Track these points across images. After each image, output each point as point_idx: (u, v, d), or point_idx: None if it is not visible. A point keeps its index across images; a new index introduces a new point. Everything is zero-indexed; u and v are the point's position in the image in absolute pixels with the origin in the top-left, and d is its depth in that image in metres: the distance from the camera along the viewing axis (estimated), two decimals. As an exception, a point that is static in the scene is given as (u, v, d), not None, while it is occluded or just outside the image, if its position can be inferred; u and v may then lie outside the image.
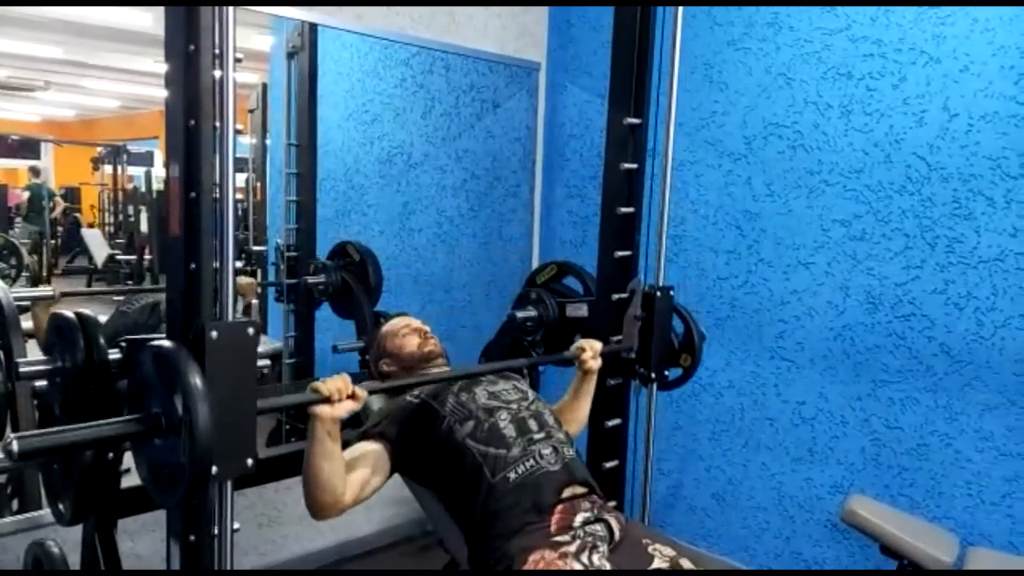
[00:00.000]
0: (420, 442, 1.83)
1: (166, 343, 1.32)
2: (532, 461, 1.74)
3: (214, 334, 1.31)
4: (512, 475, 1.70)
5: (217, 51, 1.33)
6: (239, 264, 1.40)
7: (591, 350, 2.10)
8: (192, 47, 1.31)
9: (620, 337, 2.31)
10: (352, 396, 1.60)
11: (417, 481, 1.92)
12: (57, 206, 3.30)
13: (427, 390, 1.92)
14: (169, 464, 1.30)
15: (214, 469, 1.27)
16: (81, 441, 1.31)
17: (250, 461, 1.37)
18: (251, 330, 1.37)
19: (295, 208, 3.16)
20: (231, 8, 1.32)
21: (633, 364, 2.32)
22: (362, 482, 1.75)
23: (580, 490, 1.75)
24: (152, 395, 1.33)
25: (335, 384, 1.58)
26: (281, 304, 3.19)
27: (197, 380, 1.24)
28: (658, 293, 2.26)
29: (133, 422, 1.34)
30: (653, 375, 2.31)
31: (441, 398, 1.87)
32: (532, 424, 1.83)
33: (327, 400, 1.57)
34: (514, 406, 1.86)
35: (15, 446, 1.19)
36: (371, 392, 1.71)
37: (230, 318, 1.36)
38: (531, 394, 1.96)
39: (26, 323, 2.17)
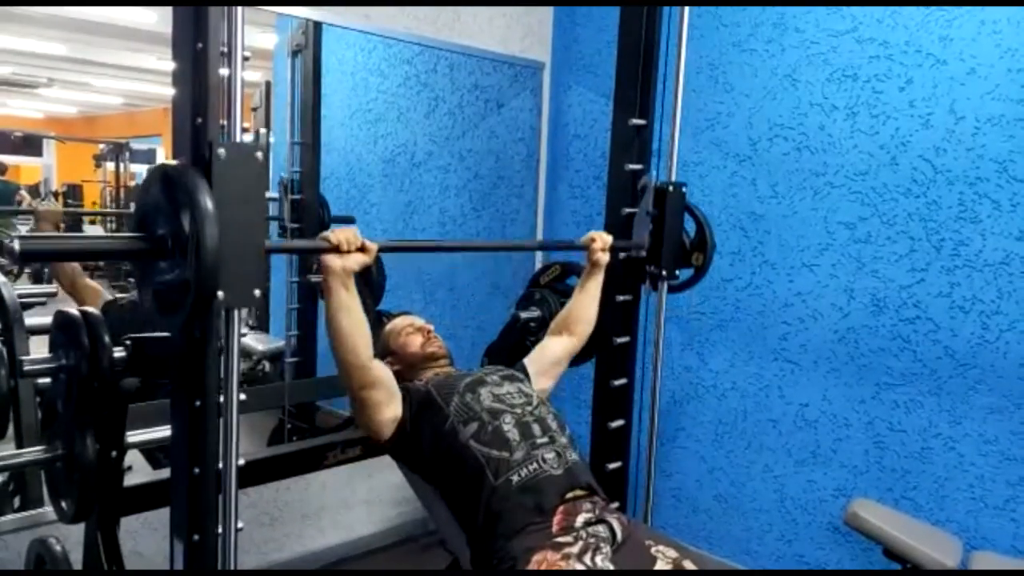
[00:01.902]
0: (424, 429, 1.83)
1: (173, 162, 1.29)
2: (535, 465, 1.73)
3: (222, 152, 1.29)
4: (515, 478, 1.70)
5: (225, 49, 1.32)
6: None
7: (601, 241, 2.12)
8: (200, 45, 1.31)
9: (627, 339, 2.31)
10: (362, 248, 1.64)
11: (418, 474, 1.91)
12: (23, 200, 3.29)
13: (434, 381, 1.94)
14: (175, 283, 1.27)
15: (220, 294, 1.26)
16: (84, 250, 1.28)
17: (257, 292, 1.34)
18: (259, 155, 1.34)
19: (298, 205, 3.16)
20: (239, 6, 1.32)
21: (644, 266, 2.28)
22: (385, 371, 1.82)
23: (582, 493, 1.75)
24: (158, 218, 1.30)
25: (344, 234, 1.62)
26: (284, 302, 3.19)
27: (205, 197, 1.21)
28: (670, 188, 2.21)
29: (139, 239, 1.32)
30: (664, 272, 2.25)
31: (446, 395, 1.86)
32: (536, 428, 1.83)
33: (336, 249, 1.60)
34: (519, 410, 1.86)
35: (17, 245, 1.17)
36: (381, 249, 1.72)
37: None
38: (536, 398, 1.96)
39: (29, 320, 2.16)
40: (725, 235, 2.93)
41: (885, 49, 2.53)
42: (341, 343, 1.69)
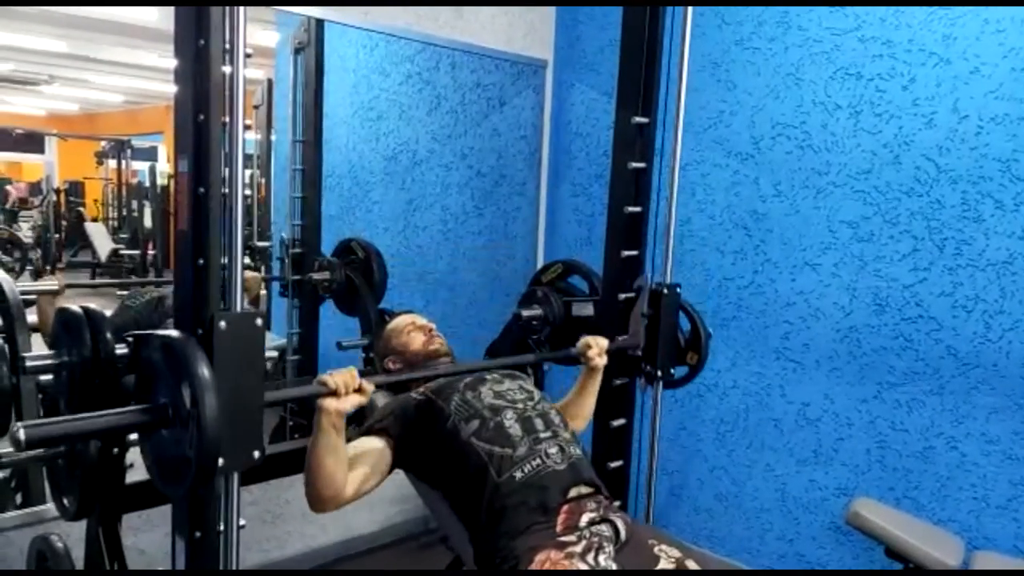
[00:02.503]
0: (424, 439, 1.82)
1: (175, 334, 1.32)
2: (538, 460, 1.73)
3: (223, 324, 1.31)
4: (518, 474, 1.70)
5: (227, 47, 1.32)
6: (245, 260, 1.40)
7: (597, 347, 2.10)
8: (202, 42, 1.31)
9: (626, 336, 2.31)
10: (359, 390, 1.61)
11: (421, 479, 1.91)
12: (8, 196, 3.31)
13: (432, 387, 1.91)
14: (176, 455, 1.29)
15: (221, 461, 1.27)
16: (88, 431, 1.31)
17: (257, 453, 1.37)
18: (259, 321, 1.37)
19: (300, 204, 3.16)
20: (241, 5, 1.32)
21: (639, 362, 2.31)
22: (363, 478, 1.75)
23: (586, 490, 1.74)
24: (160, 385, 1.33)
25: (342, 377, 1.58)
26: (285, 300, 3.19)
27: (205, 371, 1.23)
28: (665, 291, 2.25)
29: (140, 412, 1.34)
30: (659, 373, 2.30)
31: (446, 396, 1.86)
32: (538, 423, 1.82)
33: (334, 393, 1.58)
34: (520, 405, 1.86)
35: (21, 434, 1.18)
36: (377, 386, 1.71)
37: (238, 308, 1.36)
38: (537, 394, 1.95)
39: (31, 317, 2.16)
40: (727, 234, 2.93)
41: (888, 48, 2.53)
42: (319, 478, 1.64)
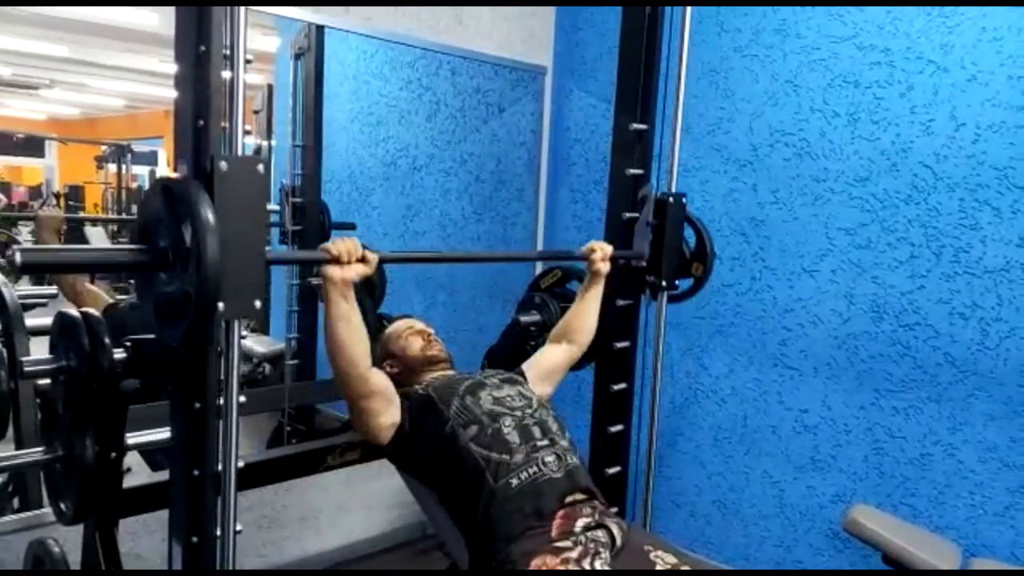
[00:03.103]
0: (423, 434, 1.83)
1: (175, 175, 1.30)
2: (535, 468, 1.73)
3: (223, 165, 1.29)
4: (514, 481, 1.70)
5: (227, 52, 1.33)
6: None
7: (601, 251, 2.13)
8: (203, 48, 1.31)
9: (627, 343, 2.31)
10: (362, 259, 1.64)
11: (416, 477, 1.91)
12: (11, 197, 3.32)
13: (435, 384, 1.93)
14: (176, 296, 1.27)
15: (220, 306, 1.26)
16: (85, 262, 1.29)
17: (258, 303, 1.35)
18: (260, 167, 1.34)
19: (299, 210, 3.16)
20: (242, 9, 1.32)
21: (644, 275, 2.28)
22: (381, 379, 1.83)
23: (581, 497, 1.75)
24: (160, 230, 1.30)
25: (345, 245, 1.62)
26: (283, 305, 3.19)
27: (207, 210, 1.21)
28: (670, 199, 2.22)
29: (140, 252, 1.32)
30: (664, 283, 2.26)
31: (446, 400, 1.86)
32: (536, 431, 1.83)
33: (337, 260, 1.61)
34: (519, 412, 1.86)
35: (18, 257, 1.18)
36: (382, 261, 1.73)
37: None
38: (536, 400, 1.96)
39: (30, 321, 2.16)
40: (726, 240, 2.93)
41: (886, 56, 2.54)
42: (339, 353, 1.70)
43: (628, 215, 2.30)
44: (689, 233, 2.32)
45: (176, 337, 1.33)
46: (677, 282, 2.30)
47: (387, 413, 1.83)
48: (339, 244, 1.62)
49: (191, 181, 1.29)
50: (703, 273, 2.28)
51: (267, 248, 1.39)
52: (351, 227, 3.27)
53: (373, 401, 1.80)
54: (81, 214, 3.51)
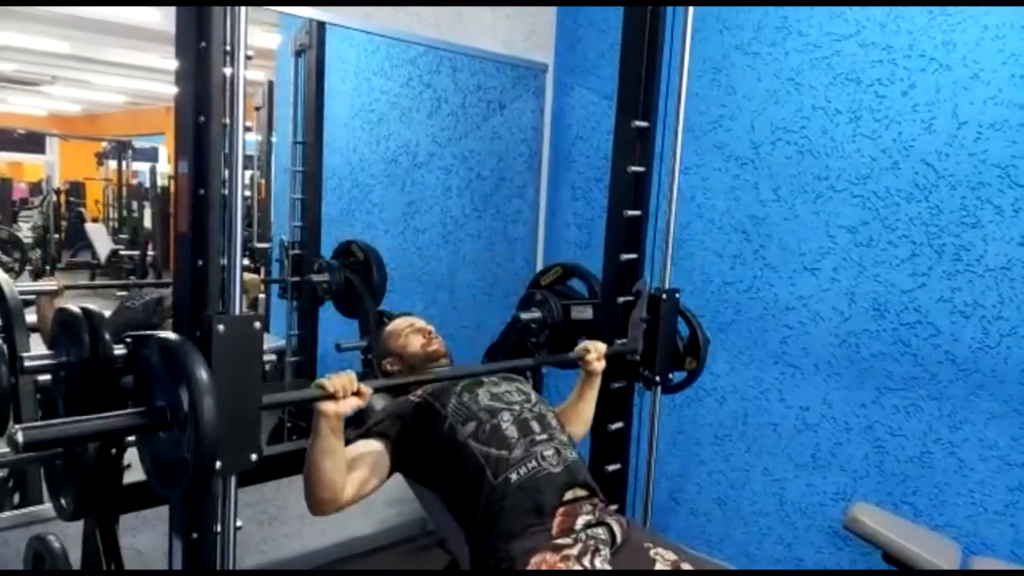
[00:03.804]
0: (421, 442, 1.82)
1: (173, 336, 1.32)
2: (534, 463, 1.73)
3: (221, 327, 1.31)
4: (514, 476, 1.70)
5: (228, 48, 1.32)
6: (244, 262, 1.40)
7: (595, 352, 2.10)
8: (203, 44, 1.31)
9: (625, 340, 2.31)
10: (357, 393, 1.61)
11: (418, 481, 1.91)
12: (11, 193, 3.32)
13: (429, 389, 1.92)
14: (173, 458, 1.29)
15: (218, 464, 1.27)
16: (86, 433, 1.31)
17: (254, 456, 1.37)
18: (257, 324, 1.37)
19: (300, 206, 3.16)
20: (243, 6, 1.32)
21: (637, 366, 2.31)
22: (361, 480, 1.75)
23: (582, 492, 1.75)
24: (158, 388, 1.33)
25: (340, 381, 1.59)
26: (284, 301, 3.19)
27: (203, 374, 1.24)
28: (664, 296, 2.26)
29: (138, 415, 1.34)
30: (657, 378, 2.30)
31: (443, 399, 1.86)
32: (535, 426, 1.83)
33: (332, 396, 1.57)
34: (516, 407, 1.86)
35: (20, 436, 1.19)
36: (376, 390, 1.71)
37: (237, 311, 1.36)
38: (534, 396, 1.96)
39: (30, 317, 2.16)
40: (727, 238, 2.93)
41: (888, 53, 2.53)
42: (320, 483, 1.64)
43: (630, 212, 2.30)
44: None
45: (176, 498, 1.38)
46: (671, 375, 2.34)
47: (378, 476, 1.79)
48: (335, 380, 1.58)
49: (186, 343, 1.30)
50: (696, 367, 2.34)
51: (261, 396, 1.41)
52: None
53: (363, 494, 1.77)
54: (82, 210, 3.51)
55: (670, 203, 2.28)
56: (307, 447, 1.63)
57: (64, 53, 3.08)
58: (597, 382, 2.16)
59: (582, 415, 2.17)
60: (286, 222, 3.18)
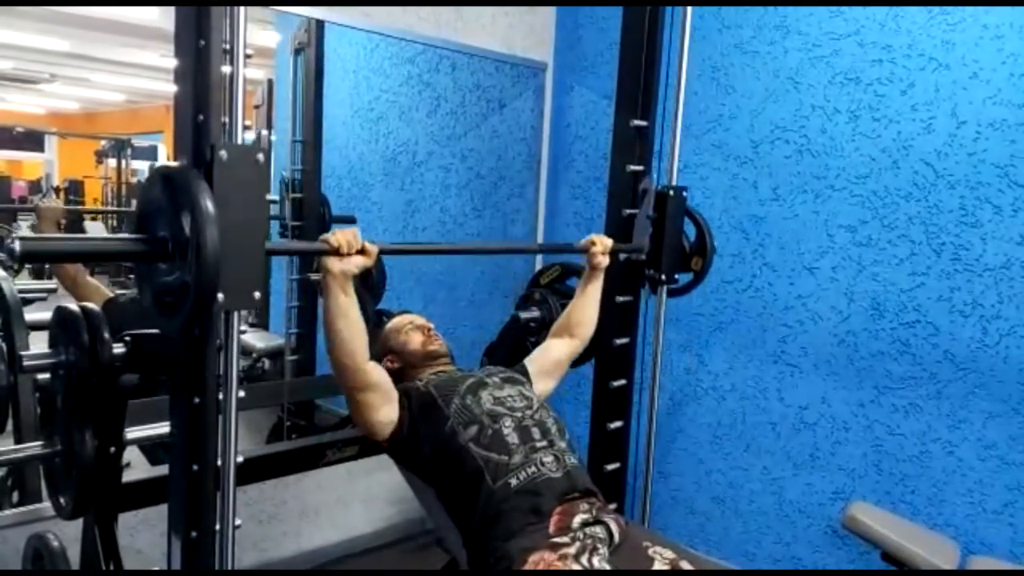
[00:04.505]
0: (423, 431, 1.83)
1: (175, 164, 1.28)
2: (534, 468, 1.73)
3: (223, 154, 1.28)
4: (513, 481, 1.70)
5: (227, 47, 1.32)
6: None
7: (601, 245, 2.12)
8: (202, 42, 1.31)
9: (627, 340, 2.31)
10: (362, 251, 1.63)
11: (416, 473, 1.91)
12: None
13: (435, 381, 1.93)
14: (175, 286, 1.26)
15: (220, 297, 1.25)
16: (84, 251, 1.28)
17: (257, 295, 1.33)
18: (260, 156, 1.33)
19: (299, 204, 3.15)
20: (242, 5, 1.32)
21: (643, 269, 2.29)
22: (380, 375, 1.81)
23: (579, 496, 1.75)
24: (159, 219, 1.29)
25: (344, 236, 1.61)
26: (283, 300, 3.19)
27: (206, 199, 1.20)
28: (671, 193, 2.22)
29: (139, 241, 1.31)
30: (663, 278, 2.26)
31: (447, 398, 1.86)
32: (535, 432, 1.83)
33: (336, 252, 1.60)
34: (519, 413, 1.86)
35: (17, 245, 1.17)
36: (382, 252, 1.71)
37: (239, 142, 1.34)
38: (536, 401, 1.96)
39: (30, 316, 2.16)
40: (726, 237, 2.93)
41: (887, 53, 2.53)
42: (338, 346, 1.69)
43: (628, 211, 2.30)
44: (689, 228, 2.32)
45: (175, 328, 1.32)
46: (677, 276, 2.30)
47: (385, 408, 1.82)
48: (339, 235, 1.61)
49: (191, 170, 1.27)
50: (702, 267, 2.29)
51: (267, 240, 1.39)
52: (352, 220, 3.27)
53: (371, 395, 1.79)
54: (81, 207, 3.50)
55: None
56: (322, 312, 1.67)
57: (62, 51, 3.07)
58: (601, 277, 2.17)
59: (586, 312, 2.19)
60: (286, 220, 3.17)
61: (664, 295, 2.32)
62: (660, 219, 2.23)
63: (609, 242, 2.13)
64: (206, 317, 1.31)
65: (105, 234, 3.65)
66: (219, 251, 1.20)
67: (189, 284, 1.22)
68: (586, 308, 2.18)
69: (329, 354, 1.72)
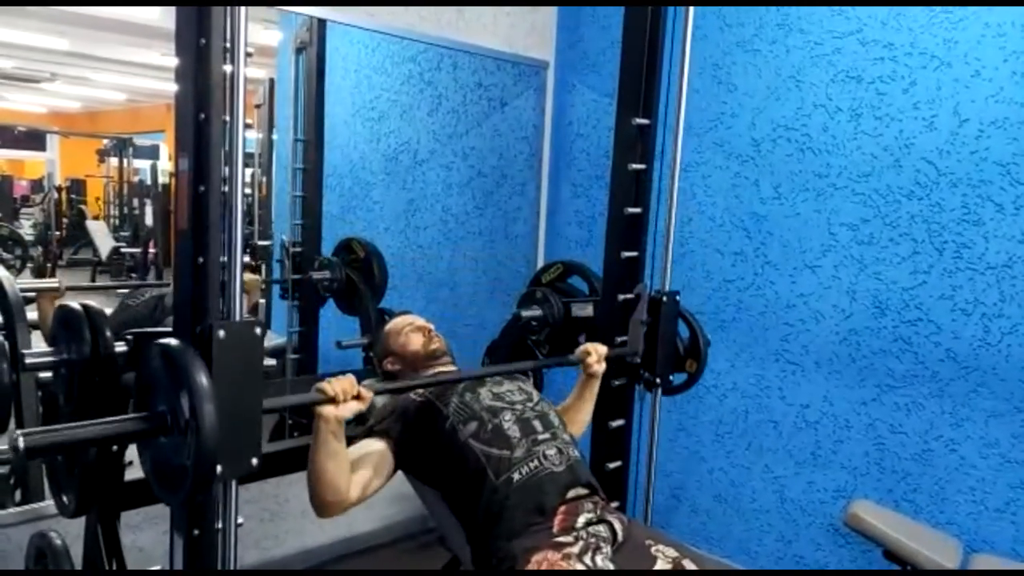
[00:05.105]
0: (423, 441, 1.82)
1: (173, 341, 1.32)
2: (536, 462, 1.73)
3: (221, 333, 1.31)
4: (516, 476, 1.70)
5: (228, 45, 1.32)
6: (245, 259, 1.40)
7: (596, 354, 2.09)
8: (203, 41, 1.31)
9: (625, 338, 2.31)
10: (357, 397, 1.60)
11: (420, 479, 1.91)
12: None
13: (431, 388, 1.91)
14: (174, 463, 1.29)
15: (218, 469, 1.27)
16: (87, 439, 1.31)
17: (255, 460, 1.37)
18: (258, 330, 1.36)
19: (301, 204, 3.16)
20: (242, 4, 1.32)
21: (638, 368, 2.31)
22: (365, 481, 1.74)
23: (583, 492, 1.75)
24: (159, 392, 1.32)
25: (340, 385, 1.58)
26: (285, 300, 3.19)
27: (204, 380, 1.23)
28: (664, 298, 2.25)
29: (139, 420, 1.33)
30: (658, 380, 2.30)
31: (445, 398, 1.86)
32: (537, 425, 1.82)
33: (332, 400, 1.57)
34: (519, 407, 1.86)
35: (21, 443, 1.18)
36: (376, 393, 1.71)
37: (237, 315, 1.35)
38: (536, 395, 1.96)
39: (31, 314, 2.17)
40: (727, 236, 2.93)
41: (889, 51, 2.53)
42: (324, 486, 1.64)
43: (630, 210, 2.30)
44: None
45: (176, 504, 1.38)
46: (671, 377, 2.33)
47: (383, 476, 1.79)
48: (335, 384, 1.58)
49: (187, 349, 1.29)
50: (696, 369, 2.32)
51: (262, 401, 1.40)
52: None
53: (367, 496, 1.76)
54: (83, 207, 3.51)
55: (671, 201, 2.27)
56: (310, 452, 1.62)
57: (64, 50, 3.08)
58: (597, 384, 2.16)
59: (581, 415, 2.17)
60: (287, 220, 3.18)
61: (659, 395, 2.35)
62: (654, 323, 2.26)
63: (604, 349, 2.12)
64: (206, 492, 1.35)
65: (107, 237, 3.65)
66: (217, 429, 1.22)
67: (187, 466, 1.25)
68: (581, 412, 2.17)
69: (312, 492, 1.66)
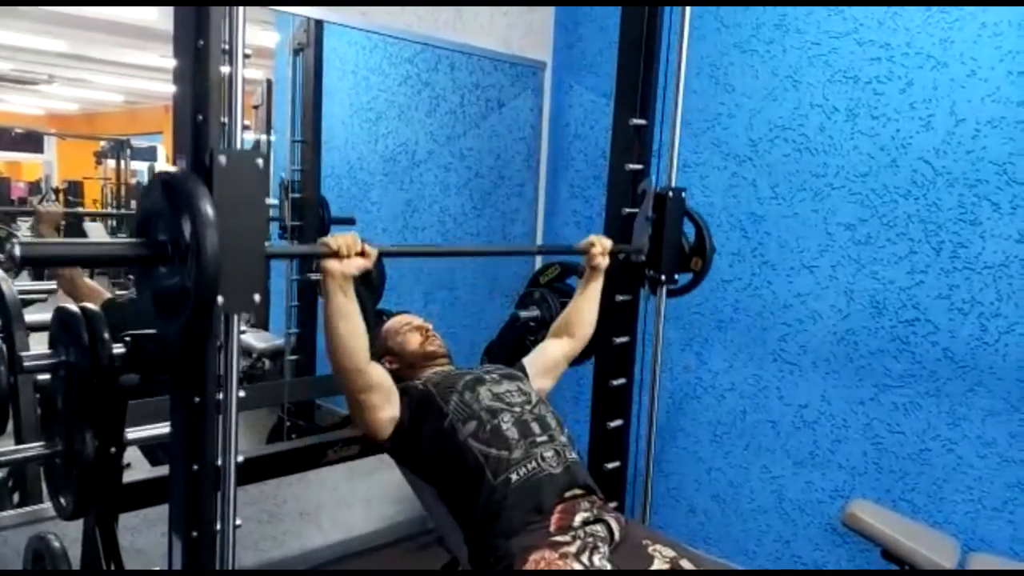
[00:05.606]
0: (423, 429, 1.83)
1: (175, 168, 1.29)
2: (534, 464, 1.73)
3: (223, 159, 1.28)
4: (514, 477, 1.70)
5: (226, 47, 1.32)
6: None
7: (600, 246, 2.12)
8: (201, 43, 1.31)
9: (625, 339, 2.31)
10: (362, 253, 1.64)
11: (417, 474, 1.91)
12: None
13: (434, 379, 1.93)
14: (175, 289, 1.27)
15: (220, 299, 1.25)
16: (84, 255, 1.28)
17: (256, 297, 1.34)
18: (259, 161, 1.34)
19: (299, 205, 3.16)
20: (241, 5, 1.32)
21: (643, 270, 2.29)
22: (381, 374, 1.81)
23: (580, 492, 1.75)
24: (159, 223, 1.30)
25: (344, 239, 1.62)
26: (283, 300, 3.19)
27: (206, 203, 1.21)
28: (670, 194, 2.22)
29: (140, 245, 1.31)
30: (663, 278, 2.27)
31: (445, 393, 1.86)
32: (535, 427, 1.83)
33: (336, 254, 1.61)
34: (517, 408, 1.86)
35: (18, 250, 1.17)
36: (382, 254, 1.72)
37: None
38: (535, 396, 1.96)
39: (30, 316, 2.16)
40: (725, 236, 2.93)
41: (886, 51, 2.53)
42: (338, 348, 1.69)
43: (628, 210, 2.30)
44: (688, 228, 2.32)
45: (175, 331, 1.32)
46: (676, 276, 2.30)
47: (386, 407, 1.83)
48: (338, 238, 1.62)
49: (190, 175, 1.28)
50: (702, 268, 2.28)
51: (267, 242, 1.39)
52: (351, 222, 3.27)
53: (372, 395, 1.79)
54: (80, 209, 3.50)
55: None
56: (323, 314, 1.67)
57: (61, 52, 3.07)
58: (600, 279, 2.17)
59: (585, 314, 2.18)
60: (286, 220, 3.17)
61: (664, 295, 2.32)
62: (659, 220, 2.23)
63: (608, 243, 2.13)
64: (206, 320, 1.31)
65: (105, 237, 3.65)
66: (219, 255, 1.20)
67: (189, 288, 1.22)
68: (585, 309, 2.18)
69: (329, 356, 1.72)
